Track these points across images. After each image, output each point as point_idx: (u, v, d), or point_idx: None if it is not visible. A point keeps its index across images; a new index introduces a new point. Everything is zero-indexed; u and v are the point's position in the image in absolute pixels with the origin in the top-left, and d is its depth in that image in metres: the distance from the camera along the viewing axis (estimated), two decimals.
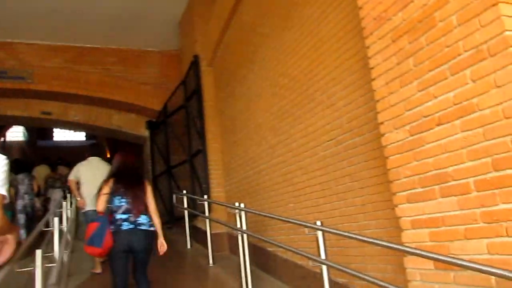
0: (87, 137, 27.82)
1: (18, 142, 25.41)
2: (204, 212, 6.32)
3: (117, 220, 3.70)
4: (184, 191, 7.46)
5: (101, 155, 7.06)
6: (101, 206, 3.80)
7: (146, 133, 10.60)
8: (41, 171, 10.73)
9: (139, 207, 3.80)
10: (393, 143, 2.52)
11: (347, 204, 3.73)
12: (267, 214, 4.16)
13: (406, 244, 2.44)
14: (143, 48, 10.22)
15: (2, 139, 26.69)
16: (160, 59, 10.31)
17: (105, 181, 3.95)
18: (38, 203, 9.00)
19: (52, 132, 29.64)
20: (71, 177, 6.55)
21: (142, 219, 3.77)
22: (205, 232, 6.31)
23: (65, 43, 9.74)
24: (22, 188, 8.48)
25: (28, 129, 26.24)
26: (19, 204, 8.19)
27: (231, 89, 6.71)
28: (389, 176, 2.57)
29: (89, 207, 6.13)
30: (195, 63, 7.63)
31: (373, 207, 3.39)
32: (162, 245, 3.94)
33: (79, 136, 28.96)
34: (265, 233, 5.49)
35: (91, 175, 6.30)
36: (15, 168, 9.00)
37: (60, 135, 30.30)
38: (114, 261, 3.70)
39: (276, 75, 5.07)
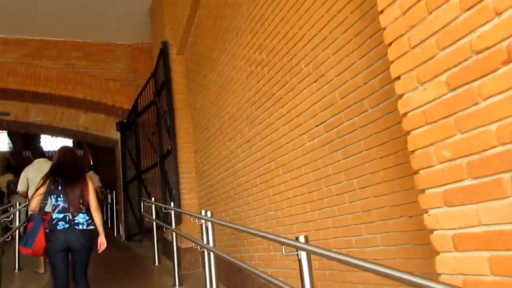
0: (74, 145, 27.70)
1: (1, 152, 24.65)
2: (175, 222, 5.32)
3: (53, 219, 3.52)
4: (153, 199, 6.42)
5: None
6: (33, 205, 3.62)
7: (117, 135, 9.54)
8: (3, 180, 9.82)
9: (77, 206, 3.60)
10: (419, 107, 1.51)
11: (342, 210, 2.73)
12: (234, 225, 3.13)
13: (444, 277, 1.44)
14: (110, 41, 9.21)
15: None
16: (130, 53, 9.30)
17: (43, 180, 3.73)
18: None
19: (39, 141, 28.96)
20: (20, 188, 5.91)
21: (80, 218, 3.58)
22: (178, 246, 5.32)
23: (23, 36, 8.70)
24: None
25: (13, 139, 25.46)
26: None
27: (202, 77, 5.70)
28: (412, 163, 1.55)
29: None
30: (163, 51, 6.61)
31: (381, 214, 2.38)
32: (102, 244, 3.77)
33: (67, 145, 28.05)
34: (242, 248, 4.48)
35: (38, 177, 5.58)
36: None
37: (48, 144, 29.71)
38: (53, 261, 3.58)
39: (251, 50, 4.07)
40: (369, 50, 2.39)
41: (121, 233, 9.42)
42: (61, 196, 3.60)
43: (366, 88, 2.44)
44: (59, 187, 3.62)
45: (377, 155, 2.38)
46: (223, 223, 3.34)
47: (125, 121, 9.07)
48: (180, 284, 4.99)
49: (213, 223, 3.69)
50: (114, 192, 10.79)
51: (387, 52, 1.67)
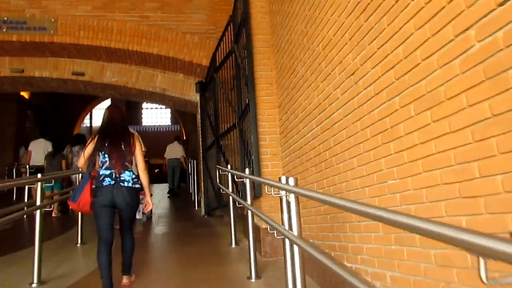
0: (172, 121, 29.35)
1: None
2: (251, 195, 4.10)
3: (100, 176, 3.57)
4: (229, 166, 5.24)
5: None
6: (81, 162, 3.73)
7: (196, 97, 8.54)
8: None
9: (122, 163, 3.61)
10: None
11: None
12: (327, 198, 1.73)
13: None
14: None
15: (88, 123, 27.12)
16: (209, 2, 8.17)
17: (91, 138, 3.79)
18: None
19: (141, 118, 30.79)
20: None
21: (126, 175, 3.58)
22: (257, 226, 4.14)
23: None
24: (76, 160, 8.26)
25: None
26: (73, 176, 7.82)
27: (288, 4, 4.30)
28: None
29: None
30: None
31: None
32: (147, 204, 3.85)
33: (165, 121, 31.92)
34: (342, 234, 3.10)
35: None
36: (72, 140, 9.21)
37: (148, 120, 31.69)
38: (96, 217, 3.55)
39: None
40: None
41: (202, 207, 8.50)
42: (107, 153, 3.61)
43: None
44: (106, 145, 3.64)
45: None
46: (311, 194, 1.99)
47: (204, 81, 8.00)
48: (257, 276, 3.77)
49: (297, 196, 2.35)
50: (194, 162, 9.88)
51: None
